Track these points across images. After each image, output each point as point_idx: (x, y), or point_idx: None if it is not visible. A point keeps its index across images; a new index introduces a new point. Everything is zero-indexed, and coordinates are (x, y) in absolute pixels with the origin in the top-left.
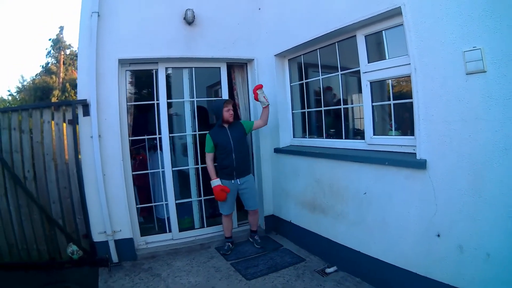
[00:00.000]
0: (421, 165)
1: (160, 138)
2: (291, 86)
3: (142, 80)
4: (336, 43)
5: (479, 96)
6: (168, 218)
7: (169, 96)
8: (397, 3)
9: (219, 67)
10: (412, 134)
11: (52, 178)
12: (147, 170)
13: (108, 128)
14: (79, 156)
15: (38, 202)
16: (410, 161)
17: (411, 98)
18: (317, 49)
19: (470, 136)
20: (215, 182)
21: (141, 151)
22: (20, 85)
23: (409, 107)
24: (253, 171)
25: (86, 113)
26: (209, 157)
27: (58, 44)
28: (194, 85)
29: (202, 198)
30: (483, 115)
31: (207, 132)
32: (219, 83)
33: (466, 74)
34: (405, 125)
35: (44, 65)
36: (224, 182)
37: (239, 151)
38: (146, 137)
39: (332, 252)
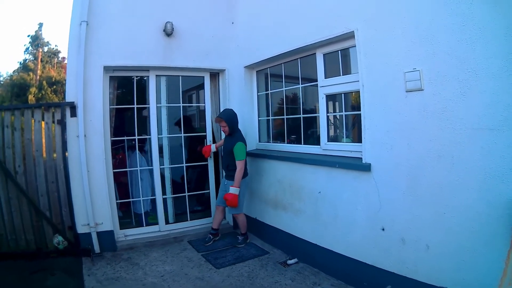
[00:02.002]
0: (366, 168)
1: (139, 139)
2: (258, 95)
3: (123, 86)
4: (299, 59)
5: (416, 110)
6: (146, 213)
7: (144, 101)
8: (351, 27)
9: (203, 76)
10: (360, 141)
11: (41, 173)
12: (126, 168)
13: (93, 129)
14: (66, 154)
15: (27, 194)
16: (357, 165)
17: (360, 110)
18: (282, 63)
19: (408, 144)
20: (212, 145)
21: (120, 151)
22: None
23: (359, 118)
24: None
25: (74, 114)
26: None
27: (36, 40)
28: (180, 91)
29: (175, 196)
30: (420, 127)
31: (183, 134)
32: (193, 89)
33: (406, 91)
34: (355, 134)
35: (22, 62)
36: (222, 178)
37: (226, 158)
38: (125, 138)
39: (292, 245)
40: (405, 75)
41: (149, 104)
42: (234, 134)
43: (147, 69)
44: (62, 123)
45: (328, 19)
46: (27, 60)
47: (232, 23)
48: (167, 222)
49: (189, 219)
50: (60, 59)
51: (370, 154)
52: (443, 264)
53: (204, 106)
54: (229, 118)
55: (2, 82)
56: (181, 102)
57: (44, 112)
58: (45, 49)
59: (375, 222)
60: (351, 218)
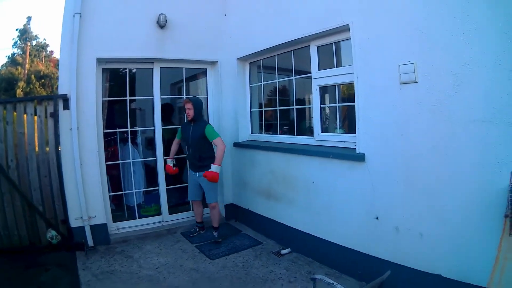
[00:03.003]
0: (360, 158)
1: (135, 131)
2: (250, 87)
3: (116, 78)
4: (292, 51)
5: (410, 103)
6: (138, 205)
7: (133, 93)
8: (346, 20)
9: (206, 68)
10: (354, 132)
11: (33, 167)
12: (119, 160)
13: (86, 121)
14: (59, 147)
15: (20, 189)
16: (351, 155)
17: (354, 101)
18: (275, 55)
19: (402, 136)
20: (167, 160)
21: (112, 143)
22: None
23: (353, 109)
24: None
25: (66, 107)
26: (174, 141)
27: (25, 34)
28: (184, 83)
29: (169, 187)
30: (414, 118)
31: (178, 126)
32: (181, 81)
33: (400, 83)
34: (349, 125)
35: (10, 56)
36: (190, 172)
37: (196, 148)
38: (118, 130)
39: (286, 236)
40: (399, 68)
41: (153, 96)
42: (198, 121)
43: (140, 61)
44: (55, 116)
45: (323, 12)
46: (15, 54)
47: (225, 15)
48: (159, 214)
49: (181, 211)
50: (48, 52)
51: (364, 144)
52: (437, 252)
53: (207, 97)
54: (196, 103)
55: None
56: (169, 93)
57: (36, 106)
58: (34, 43)
59: (369, 211)
60: (345, 207)
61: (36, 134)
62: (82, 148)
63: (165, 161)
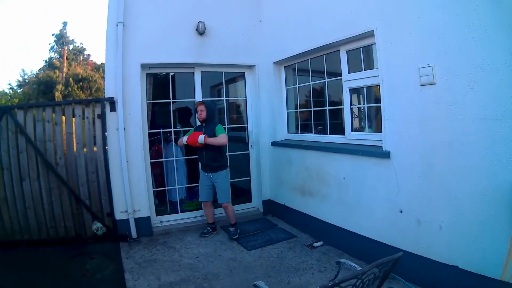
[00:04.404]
0: (386, 155)
1: (178, 131)
2: (286, 89)
3: (159, 81)
4: (324, 55)
5: (430, 103)
6: (181, 200)
7: (174, 95)
8: (371, 27)
9: (244, 72)
10: (381, 131)
11: (81, 164)
12: (162, 158)
13: (132, 122)
14: (106, 146)
15: (68, 184)
16: (377, 152)
17: (380, 102)
18: (308, 59)
19: (422, 133)
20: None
21: (156, 143)
22: (21, 79)
23: (380, 109)
24: (253, 162)
25: (113, 109)
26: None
27: (61, 39)
28: (224, 85)
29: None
30: (433, 117)
31: (227, 126)
32: (220, 84)
33: (421, 85)
34: (376, 124)
35: (48, 60)
36: (202, 174)
37: (209, 150)
38: (161, 130)
39: (319, 229)
40: (420, 71)
41: (194, 98)
42: (211, 122)
43: (182, 66)
44: (102, 118)
45: (350, 18)
46: (53, 58)
47: (260, 21)
48: (200, 209)
49: (221, 207)
50: (85, 56)
51: (390, 142)
52: (454, 244)
53: (245, 99)
54: (209, 106)
55: (27, 81)
56: (209, 95)
57: (84, 108)
58: (70, 47)
59: (394, 205)
60: (372, 201)
61: (84, 134)
62: (128, 147)
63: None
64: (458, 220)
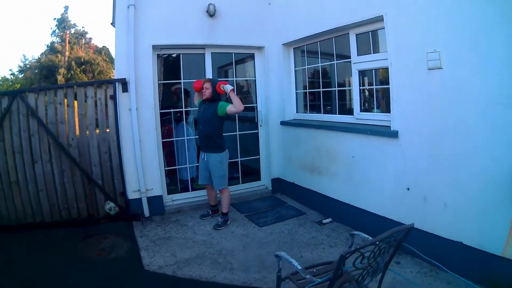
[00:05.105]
0: (394, 134)
1: (188, 111)
2: (295, 70)
3: (169, 63)
4: (333, 38)
5: (436, 86)
6: (191, 179)
7: (185, 76)
8: (380, 12)
9: (253, 53)
10: (389, 112)
11: (94, 144)
12: (173, 138)
13: (144, 102)
14: (119, 126)
15: (80, 165)
16: (386, 132)
17: (389, 84)
18: (317, 41)
19: (429, 115)
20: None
21: (167, 123)
22: (22, 64)
23: (388, 91)
24: (263, 141)
25: (125, 89)
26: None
27: (63, 23)
28: (234, 66)
29: None
30: (439, 100)
31: None
32: (228, 64)
33: (428, 69)
34: (384, 105)
35: (49, 44)
36: (200, 155)
37: (205, 128)
38: (172, 110)
39: (328, 206)
40: (427, 55)
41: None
42: (215, 101)
43: (193, 47)
44: (114, 98)
45: (360, 3)
46: (54, 43)
47: (269, 4)
48: None
49: (231, 185)
50: (87, 39)
51: (397, 122)
52: (458, 221)
53: (255, 80)
54: (215, 83)
55: (28, 66)
56: (217, 75)
57: (96, 89)
58: (72, 31)
59: (401, 183)
60: (380, 179)
61: (96, 115)
62: (140, 127)
63: None
64: (462, 198)
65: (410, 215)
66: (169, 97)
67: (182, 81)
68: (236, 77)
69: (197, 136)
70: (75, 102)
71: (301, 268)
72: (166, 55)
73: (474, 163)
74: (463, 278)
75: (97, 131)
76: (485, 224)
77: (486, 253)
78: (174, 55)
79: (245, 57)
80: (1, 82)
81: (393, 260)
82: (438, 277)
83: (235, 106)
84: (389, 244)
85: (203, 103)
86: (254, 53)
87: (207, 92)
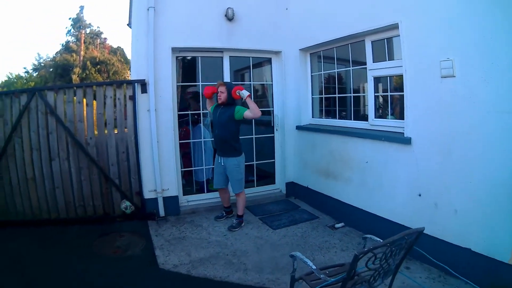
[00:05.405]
0: (407, 141)
1: (205, 113)
2: (311, 75)
3: (187, 65)
4: (349, 44)
5: (449, 94)
6: (207, 180)
7: (202, 79)
8: (396, 19)
9: (270, 57)
10: (403, 118)
11: (112, 144)
12: (190, 140)
13: (162, 104)
14: (137, 127)
15: (98, 164)
16: (399, 138)
17: (403, 91)
18: (334, 47)
19: (442, 122)
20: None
21: (184, 124)
22: (36, 63)
23: (402, 98)
24: (278, 145)
25: (144, 90)
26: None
27: (78, 23)
28: (251, 70)
29: None
30: (451, 107)
31: None
32: (245, 68)
33: (441, 77)
34: (398, 112)
35: (64, 44)
36: (216, 159)
37: (221, 132)
38: (190, 112)
39: (340, 211)
40: (440, 63)
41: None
42: (230, 105)
43: (212, 50)
44: (133, 99)
45: (376, 10)
46: (69, 42)
47: (286, 9)
48: None
49: (246, 188)
50: (102, 40)
51: (411, 129)
52: (467, 227)
53: (271, 84)
54: (230, 87)
55: (43, 64)
56: (233, 79)
57: (116, 89)
58: (87, 30)
59: (413, 188)
60: (393, 185)
61: (114, 115)
62: (159, 128)
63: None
64: (472, 205)
65: (421, 221)
66: (187, 99)
67: (200, 83)
68: (253, 81)
69: (213, 139)
70: (94, 102)
71: (315, 268)
72: (184, 58)
73: (485, 170)
74: (472, 283)
75: (116, 130)
76: (493, 231)
77: (494, 260)
78: (192, 58)
79: (262, 61)
80: (15, 80)
81: (403, 265)
82: (446, 283)
83: (252, 111)
84: (400, 246)
85: (218, 107)
86: (271, 58)
87: (223, 96)
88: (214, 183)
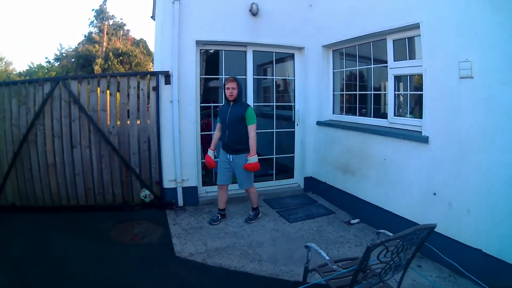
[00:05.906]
0: (425, 140)
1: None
2: (333, 72)
3: (210, 58)
4: (371, 42)
5: (466, 95)
6: None
7: (226, 72)
8: (417, 19)
9: (293, 53)
10: (421, 117)
11: (134, 133)
12: (211, 131)
13: (186, 95)
14: (160, 117)
15: (119, 153)
16: (417, 137)
17: (422, 90)
18: (356, 45)
19: (459, 122)
20: (208, 152)
21: (206, 116)
22: (58, 53)
23: (421, 97)
24: (298, 139)
25: (168, 82)
26: (217, 127)
27: (101, 14)
28: (274, 65)
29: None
30: (469, 108)
31: (275, 103)
32: (267, 63)
33: (460, 78)
34: (418, 110)
35: (87, 34)
36: (221, 155)
37: (233, 130)
38: (212, 104)
39: (356, 207)
40: (459, 64)
41: (246, 76)
42: (239, 101)
43: (235, 44)
44: (157, 90)
45: (398, 10)
46: (92, 33)
47: (310, 5)
48: None
49: (264, 181)
50: (125, 31)
51: (429, 128)
52: (479, 228)
53: (294, 79)
54: (241, 83)
55: (65, 54)
56: (256, 73)
57: (139, 80)
58: (110, 22)
59: (428, 187)
60: (409, 183)
61: (137, 105)
62: (181, 119)
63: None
64: (486, 207)
65: (435, 219)
66: (209, 92)
67: (223, 76)
68: (275, 76)
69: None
70: (117, 92)
71: (329, 259)
72: (207, 50)
73: (499, 172)
74: (482, 283)
75: (138, 121)
76: (504, 233)
77: (504, 263)
78: (215, 51)
79: (285, 57)
80: (36, 69)
81: (415, 263)
82: (456, 283)
83: (251, 138)
84: (411, 241)
85: (227, 105)
86: (294, 53)
87: (234, 92)
88: (218, 179)
